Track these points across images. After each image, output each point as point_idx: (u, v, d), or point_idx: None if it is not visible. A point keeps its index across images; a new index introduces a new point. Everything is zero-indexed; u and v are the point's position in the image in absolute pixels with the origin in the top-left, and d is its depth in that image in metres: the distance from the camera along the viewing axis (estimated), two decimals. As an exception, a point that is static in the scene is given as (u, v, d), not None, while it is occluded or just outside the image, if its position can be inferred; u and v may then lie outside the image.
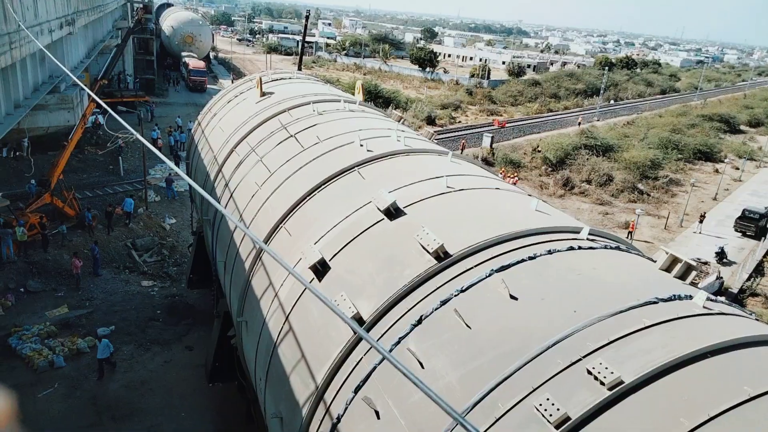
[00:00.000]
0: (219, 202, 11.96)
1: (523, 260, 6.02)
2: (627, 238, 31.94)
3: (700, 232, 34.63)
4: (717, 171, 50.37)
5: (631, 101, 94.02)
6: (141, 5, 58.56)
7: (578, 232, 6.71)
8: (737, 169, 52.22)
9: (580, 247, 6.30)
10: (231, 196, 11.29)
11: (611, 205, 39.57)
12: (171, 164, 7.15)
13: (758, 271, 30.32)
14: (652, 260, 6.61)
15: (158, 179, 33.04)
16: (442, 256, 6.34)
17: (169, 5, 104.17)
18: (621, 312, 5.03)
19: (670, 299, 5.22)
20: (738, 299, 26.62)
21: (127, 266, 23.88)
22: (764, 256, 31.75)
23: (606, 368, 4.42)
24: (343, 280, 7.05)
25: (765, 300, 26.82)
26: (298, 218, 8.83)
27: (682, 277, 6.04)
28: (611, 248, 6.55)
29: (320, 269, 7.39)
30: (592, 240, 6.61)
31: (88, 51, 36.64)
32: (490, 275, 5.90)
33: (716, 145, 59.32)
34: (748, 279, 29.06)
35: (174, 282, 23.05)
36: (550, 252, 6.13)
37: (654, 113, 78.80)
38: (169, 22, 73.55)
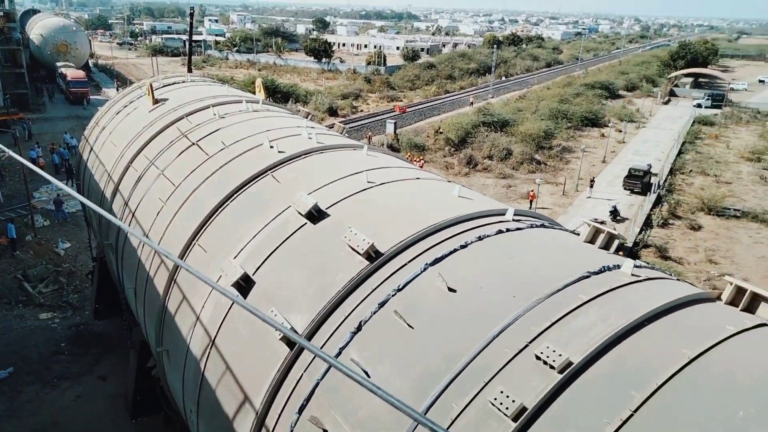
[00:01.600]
0: (120, 224, 10.96)
1: (455, 250, 5.92)
2: (530, 207, 33.67)
3: (590, 197, 37.17)
4: (603, 135, 54.25)
5: (520, 76, 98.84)
6: (1, 13, 52.83)
7: (503, 214, 6.73)
8: (620, 131, 56.50)
9: (508, 230, 6.30)
10: (133, 215, 10.34)
11: (513, 178, 41.52)
12: (57, 182, 6.33)
13: (647, 224, 33.03)
14: (576, 234, 6.77)
15: (45, 202, 30.16)
16: (373, 255, 6.10)
17: (35, 11, 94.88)
18: (558, 291, 5.05)
19: (600, 271, 5.32)
20: (633, 253, 28.84)
21: (20, 300, 21.62)
22: (651, 209, 34.64)
23: (554, 351, 4.40)
24: (271, 295, 6.62)
25: (656, 250, 29.29)
26: (213, 232, 8.22)
27: (606, 246, 6.23)
28: (536, 227, 6.63)
29: (244, 285, 6.90)
30: (518, 221, 6.65)
31: (-59, 68, 32.43)
32: (425, 270, 5.74)
33: (600, 111, 63.87)
34: (640, 232, 31.58)
35: (76, 310, 21.16)
36: (480, 238, 6.08)
37: (542, 86, 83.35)
38: (37, 29, 67.14)
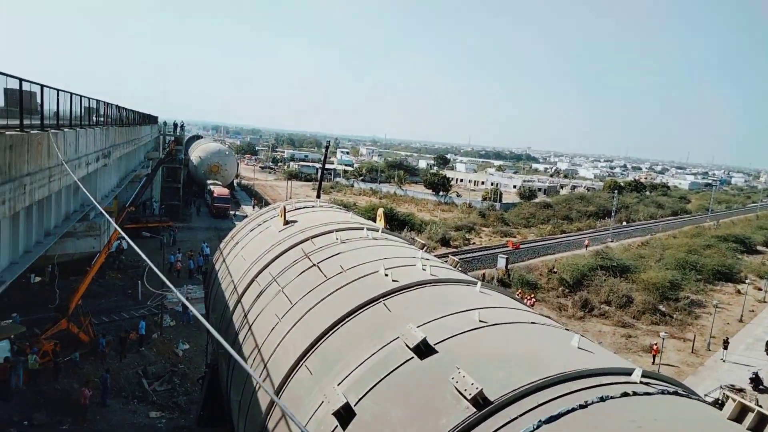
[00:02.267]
0: (237, 334, 11.52)
1: (573, 409, 5.41)
2: (652, 362, 30.44)
3: (724, 359, 32.92)
4: (739, 292, 49.05)
5: (643, 222, 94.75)
6: (173, 138, 62.54)
7: (630, 374, 6.13)
8: (759, 289, 50.89)
9: (634, 393, 5.70)
10: (250, 328, 10.88)
11: (633, 328, 38.34)
12: (177, 292, 6.92)
13: (798, 398, 28.11)
14: (719, 408, 5.93)
15: (175, 303, 32.80)
16: (481, 402, 5.75)
17: (198, 137, 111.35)
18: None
19: (751, 461, 4.54)
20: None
21: (136, 395, 22.90)
22: (801, 380, 29.67)
23: None
24: (371, 430, 6.40)
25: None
26: (321, 355, 8.33)
27: (756, 429, 5.35)
28: (669, 393, 5.93)
29: (344, 415, 6.76)
30: (647, 383, 6.01)
31: (119, 180, 38.45)
32: (538, 427, 5.27)
33: (735, 265, 58.48)
34: (790, 409, 26.82)
35: (183, 413, 21.88)
36: (602, 399, 5.53)
37: (667, 234, 78.93)
38: (197, 152, 77.94)
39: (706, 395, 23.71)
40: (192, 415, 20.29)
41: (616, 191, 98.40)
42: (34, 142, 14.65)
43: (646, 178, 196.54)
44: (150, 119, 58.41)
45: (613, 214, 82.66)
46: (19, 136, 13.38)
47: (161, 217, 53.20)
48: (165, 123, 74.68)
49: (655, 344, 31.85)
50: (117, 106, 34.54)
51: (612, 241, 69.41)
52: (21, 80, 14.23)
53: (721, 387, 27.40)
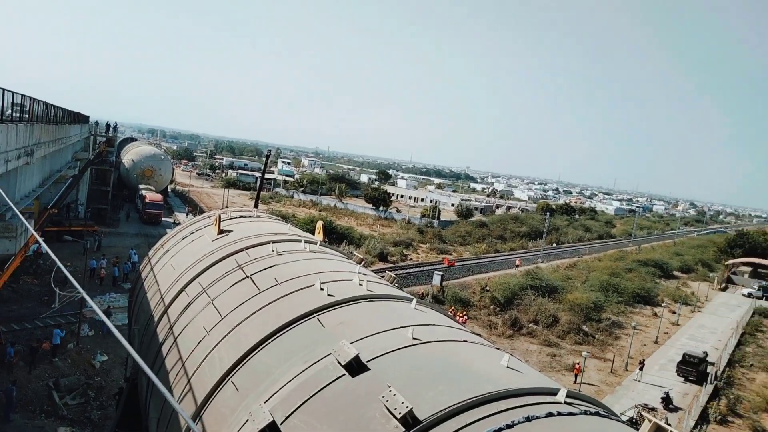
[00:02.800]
0: (161, 347, 10.96)
1: (500, 429, 5.46)
2: (574, 381, 31.67)
3: (639, 380, 34.75)
4: (656, 314, 52.11)
5: (571, 245, 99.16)
6: (105, 139, 59.61)
7: (555, 394, 6.27)
8: (674, 312, 54.31)
9: (559, 413, 5.82)
10: (175, 341, 10.36)
11: (558, 347, 39.81)
12: (91, 301, 6.51)
13: (703, 417, 30.04)
14: (635, 427, 6.17)
15: (94, 312, 30.95)
16: (410, 422, 5.70)
17: (132, 140, 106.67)
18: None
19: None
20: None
21: (44, 409, 21.32)
22: (707, 402, 31.72)
23: None
24: (297, 449, 6.20)
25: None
26: (249, 370, 8.03)
27: (669, 448, 5.59)
28: (591, 413, 6.11)
29: (270, 434, 6.52)
30: (570, 404, 6.17)
31: (42, 180, 36.07)
32: (465, 447, 5.27)
33: (653, 289, 62.21)
34: (695, 426, 28.68)
35: (95, 428, 20.58)
36: (528, 419, 5.61)
37: (593, 257, 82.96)
38: (130, 155, 74.76)
39: (622, 414, 24.81)
40: (105, 431, 19.10)
41: (548, 213, 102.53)
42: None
43: (576, 202, 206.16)
44: (80, 118, 55.31)
45: (544, 235, 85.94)
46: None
47: (86, 220, 50.38)
48: (97, 123, 71.22)
49: (578, 363, 33.13)
50: (45, 102, 32.51)
51: (542, 262, 72.05)
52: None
53: (636, 406, 28.79)
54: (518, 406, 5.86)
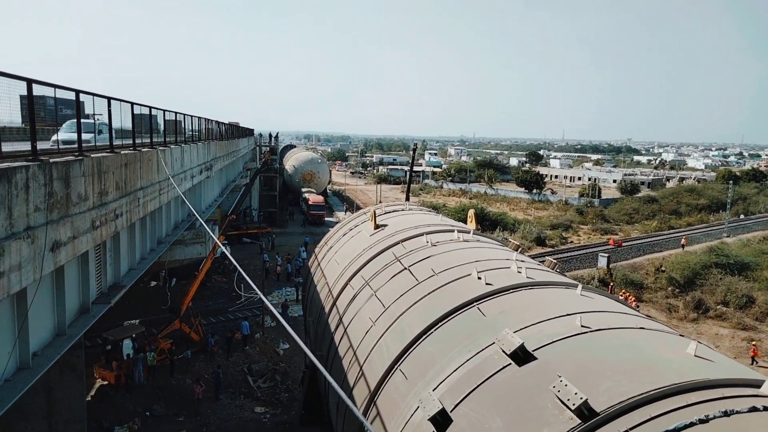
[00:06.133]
0: (333, 337, 11.78)
1: (692, 423, 4.92)
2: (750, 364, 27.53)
3: None
4: None
5: (764, 215, 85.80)
6: (268, 148, 65.56)
7: (759, 386, 5.48)
8: None
9: (765, 408, 5.08)
10: (345, 331, 11.07)
11: (756, 330, 34.79)
12: (264, 299, 7.12)
13: None
14: None
15: (275, 305, 34.35)
16: (586, 413, 5.40)
17: (292, 146, 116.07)
18: None
19: None
20: None
21: (242, 391, 24.23)
22: None
23: None
24: (469, 437, 6.23)
25: None
26: (415, 359, 8.27)
27: None
28: (808, 410, 5.22)
29: (440, 421, 6.64)
30: (780, 398, 5.34)
31: (221, 190, 40.96)
32: (651, 443, 4.85)
33: None
34: None
35: (286, 409, 22.85)
36: (726, 413, 4.98)
37: (795, 227, 70.89)
38: (291, 162, 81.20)
39: None
40: (293, 411, 21.09)
41: (731, 182, 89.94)
42: (145, 159, 15.95)
43: (766, 166, 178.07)
44: (246, 132, 61.71)
45: (728, 206, 75.62)
46: (132, 155, 14.61)
47: (260, 223, 55.98)
48: (260, 135, 78.47)
49: (754, 344, 28.99)
50: (217, 121, 36.88)
51: (728, 236, 63.50)
52: (149, 107, 15.55)
53: None
54: (712, 399, 5.23)
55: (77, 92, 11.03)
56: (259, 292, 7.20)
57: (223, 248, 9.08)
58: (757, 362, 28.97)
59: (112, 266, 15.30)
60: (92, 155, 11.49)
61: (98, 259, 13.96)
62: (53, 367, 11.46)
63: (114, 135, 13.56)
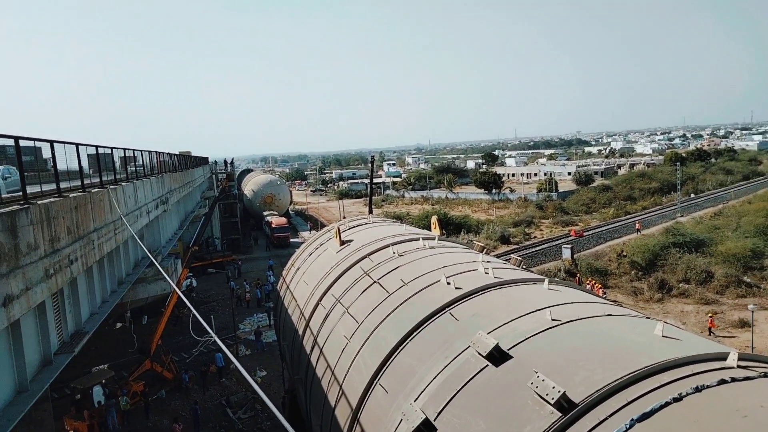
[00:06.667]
0: (309, 359, 11.61)
1: (667, 403, 5.05)
2: (752, 344, 28.61)
3: None
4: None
5: (712, 192, 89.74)
6: (225, 175, 64.61)
7: (725, 359, 5.68)
8: None
9: (733, 379, 5.26)
10: (321, 352, 10.93)
11: (718, 303, 36.25)
12: (215, 336, 6.98)
13: None
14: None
15: (248, 333, 33.65)
16: (566, 406, 5.48)
17: (249, 171, 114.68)
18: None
19: None
20: None
21: (223, 425, 23.58)
22: None
23: None
24: (455, 444, 6.22)
25: None
26: (393, 372, 8.23)
27: None
28: (773, 375, 5.43)
29: (425, 431, 6.62)
30: (745, 367, 5.54)
31: (180, 222, 40.04)
32: (631, 426, 4.94)
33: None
34: None
35: (270, 438, 22.33)
36: (698, 389, 5.13)
37: (741, 200, 74.28)
38: (250, 186, 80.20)
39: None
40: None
41: (678, 163, 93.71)
42: (96, 199, 15.45)
43: (708, 145, 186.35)
44: (201, 161, 60.69)
45: (678, 187, 78.69)
46: (82, 197, 14.13)
47: (224, 252, 54.96)
48: (215, 162, 77.29)
49: (710, 316, 31.45)
50: (168, 153, 36.17)
51: (682, 216, 66.00)
52: (95, 146, 15.08)
53: None
54: (684, 377, 5.39)
55: (16, 138, 10.62)
56: (215, 337, 7.01)
57: (178, 291, 8.79)
58: (714, 333, 30.12)
59: (72, 313, 14.69)
60: (39, 202, 11.06)
61: (56, 308, 13.39)
62: (18, 426, 10.87)
63: (60, 178, 13.08)
